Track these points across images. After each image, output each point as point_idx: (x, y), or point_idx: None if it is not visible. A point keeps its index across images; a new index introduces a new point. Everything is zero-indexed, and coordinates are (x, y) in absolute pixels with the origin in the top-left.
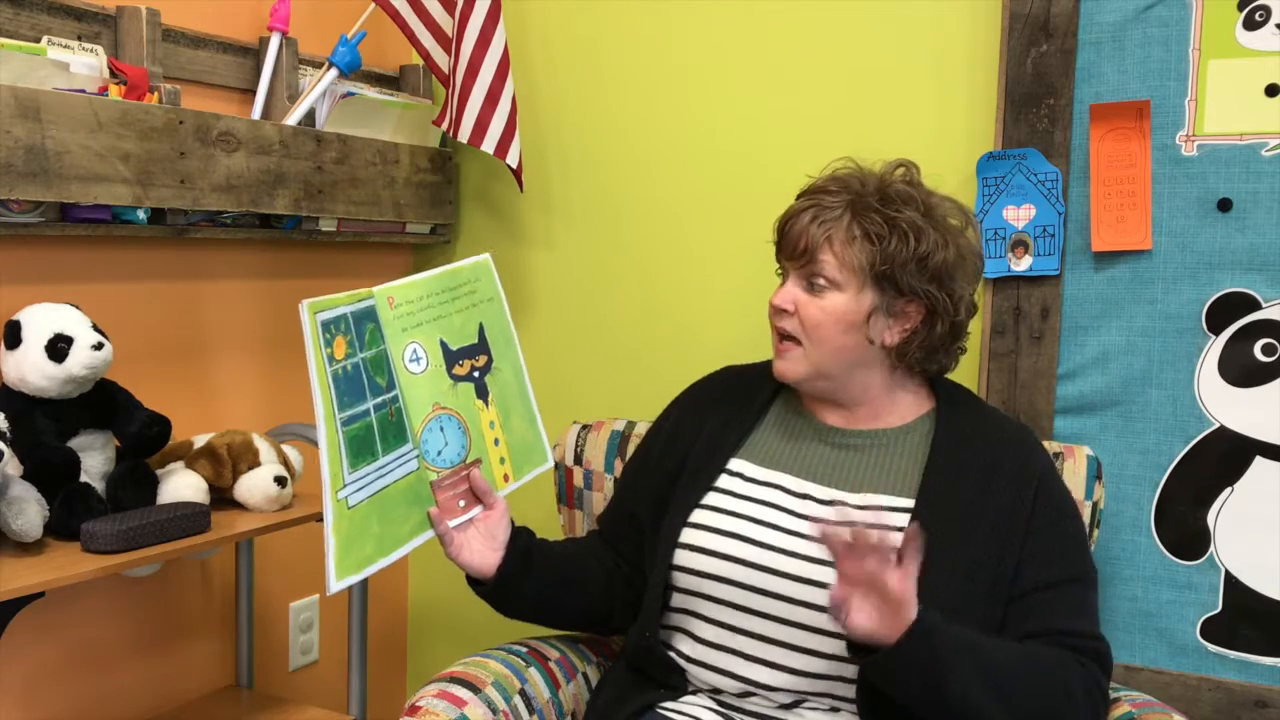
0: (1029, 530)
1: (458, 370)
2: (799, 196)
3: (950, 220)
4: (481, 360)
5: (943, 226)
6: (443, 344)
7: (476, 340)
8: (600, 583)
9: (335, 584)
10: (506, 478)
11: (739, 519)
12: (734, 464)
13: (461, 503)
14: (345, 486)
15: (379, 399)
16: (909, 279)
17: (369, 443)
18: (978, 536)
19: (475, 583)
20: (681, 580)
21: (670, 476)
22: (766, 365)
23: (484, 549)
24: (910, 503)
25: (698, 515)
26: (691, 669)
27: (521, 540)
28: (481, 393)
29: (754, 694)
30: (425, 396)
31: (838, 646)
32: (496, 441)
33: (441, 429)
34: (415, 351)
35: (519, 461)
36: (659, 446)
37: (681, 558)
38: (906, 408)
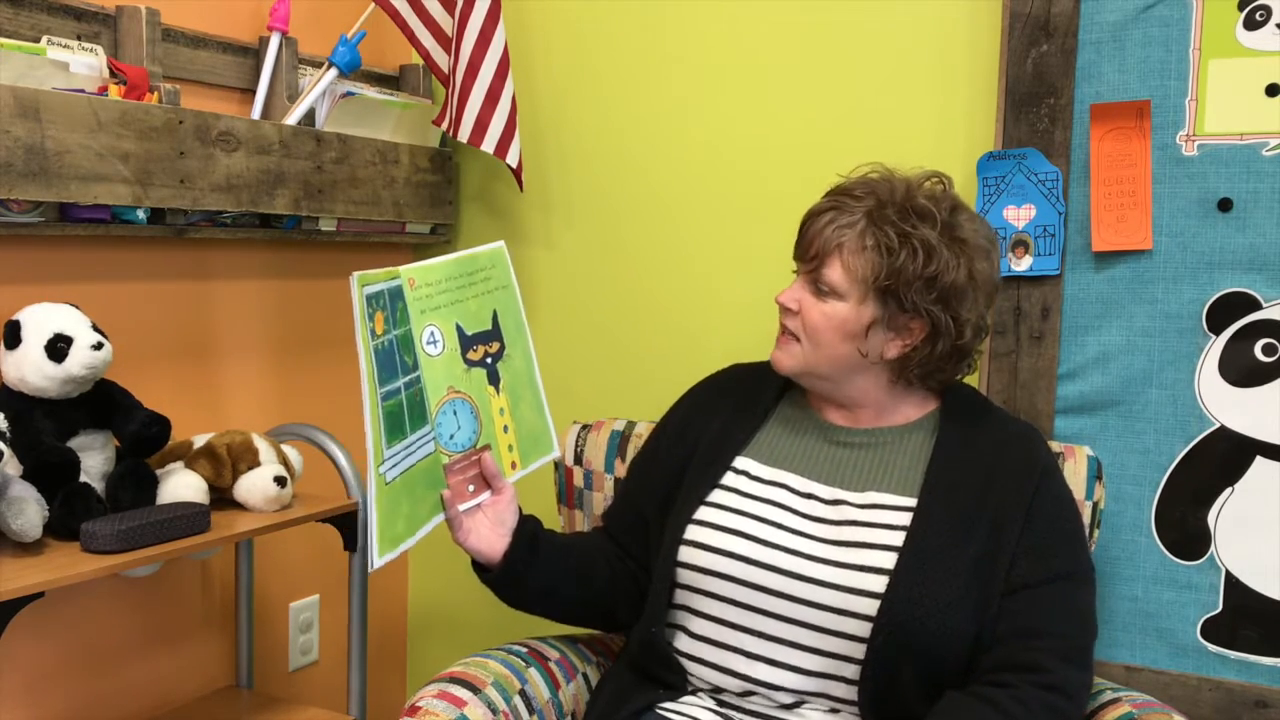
0: (1027, 525)
1: (472, 355)
2: (827, 195)
3: (970, 241)
4: (494, 347)
5: (958, 247)
6: (459, 328)
7: (490, 326)
8: (605, 577)
9: (378, 561)
10: (514, 465)
11: (744, 517)
12: (740, 462)
13: (471, 487)
14: (385, 461)
15: (408, 377)
16: (914, 296)
17: (400, 420)
18: (979, 534)
19: (481, 569)
20: (686, 577)
21: (676, 473)
22: None
23: (491, 535)
24: (913, 501)
25: (703, 512)
26: (693, 667)
27: (529, 528)
28: (493, 379)
29: (756, 693)
30: (441, 379)
31: (840, 645)
32: (505, 429)
33: (455, 413)
34: (433, 334)
35: (526, 450)
36: (665, 443)
37: (686, 554)
38: (910, 407)
